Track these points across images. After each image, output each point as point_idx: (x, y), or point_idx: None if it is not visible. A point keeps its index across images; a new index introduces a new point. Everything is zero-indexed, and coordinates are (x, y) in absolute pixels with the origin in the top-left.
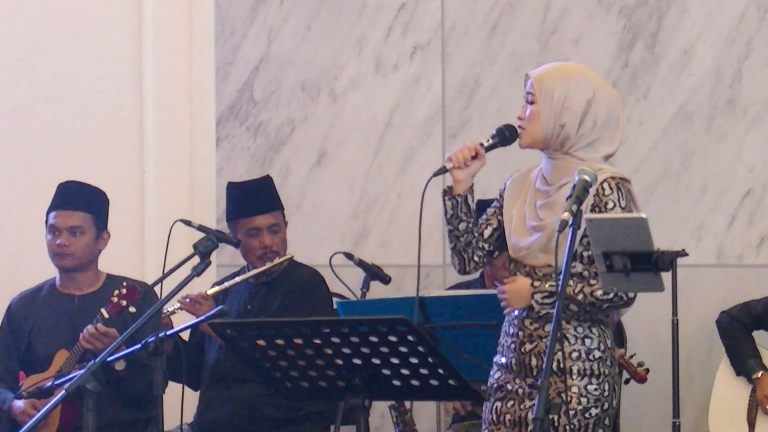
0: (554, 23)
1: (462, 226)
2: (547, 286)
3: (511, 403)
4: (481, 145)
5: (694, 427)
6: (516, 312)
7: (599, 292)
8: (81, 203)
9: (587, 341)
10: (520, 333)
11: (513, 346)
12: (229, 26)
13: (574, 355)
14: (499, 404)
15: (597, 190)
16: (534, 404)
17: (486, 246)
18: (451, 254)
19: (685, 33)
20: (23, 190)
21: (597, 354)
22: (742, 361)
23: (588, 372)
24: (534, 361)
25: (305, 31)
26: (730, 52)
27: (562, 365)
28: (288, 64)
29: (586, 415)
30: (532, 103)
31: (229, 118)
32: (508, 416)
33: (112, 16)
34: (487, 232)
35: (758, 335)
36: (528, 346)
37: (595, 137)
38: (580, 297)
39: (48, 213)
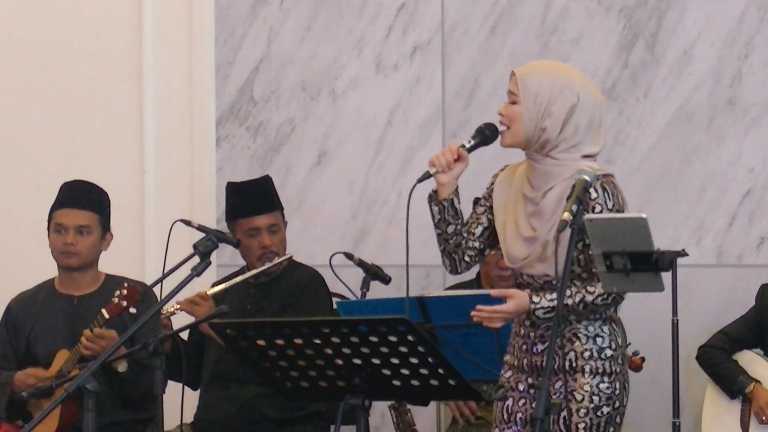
0: (554, 23)
1: (450, 229)
2: (546, 301)
3: (522, 401)
4: (463, 146)
5: (694, 427)
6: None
7: (590, 297)
8: (88, 203)
9: (599, 340)
10: (532, 334)
11: (524, 347)
12: (229, 26)
13: (587, 354)
14: (510, 403)
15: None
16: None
17: (477, 245)
18: (442, 256)
19: (685, 33)
20: (23, 190)
21: (609, 353)
22: (732, 381)
23: (600, 371)
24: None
25: (305, 31)
26: (730, 52)
27: (574, 364)
28: (288, 64)
29: (598, 413)
30: (514, 103)
31: (229, 118)
32: (519, 415)
33: (112, 16)
34: (477, 231)
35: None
36: (540, 347)
37: (576, 141)
38: (580, 307)
39: (52, 211)
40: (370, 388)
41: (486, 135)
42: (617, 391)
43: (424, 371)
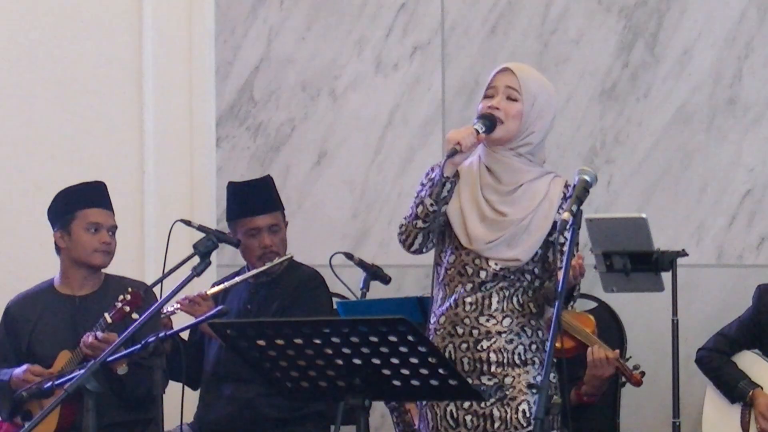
0: (554, 23)
1: (444, 208)
2: None
3: (468, 403)
4: (477, 131)
5: (693, 427)
6: (466, 309)
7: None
8: (111, 205)
9: (539, 333)
10: (475, 331)
11: (464, 345)
12: (229, 26)
13: (534, 346)
14: (452, 407)
15: (564, 192)
16: (496, 400)
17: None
18: (417, 233)
19: (685, 33)
20: (23, 191)
21: (547, 345)
22: (733, 387)
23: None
24: (493, 357)
25: (305, 31)
26: (730, 52)
27: (523, 357)
28: (288, 64)
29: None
30: (514, 100)
31: (229, 118)
32: (468, 417)
33: (112, 16)
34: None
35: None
36: (485, 344)
37: (540, 147)
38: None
39: (80, 209)
40: (370, 388)
41: (492, 122)
42: (558, 382)
43: (424, 371)
